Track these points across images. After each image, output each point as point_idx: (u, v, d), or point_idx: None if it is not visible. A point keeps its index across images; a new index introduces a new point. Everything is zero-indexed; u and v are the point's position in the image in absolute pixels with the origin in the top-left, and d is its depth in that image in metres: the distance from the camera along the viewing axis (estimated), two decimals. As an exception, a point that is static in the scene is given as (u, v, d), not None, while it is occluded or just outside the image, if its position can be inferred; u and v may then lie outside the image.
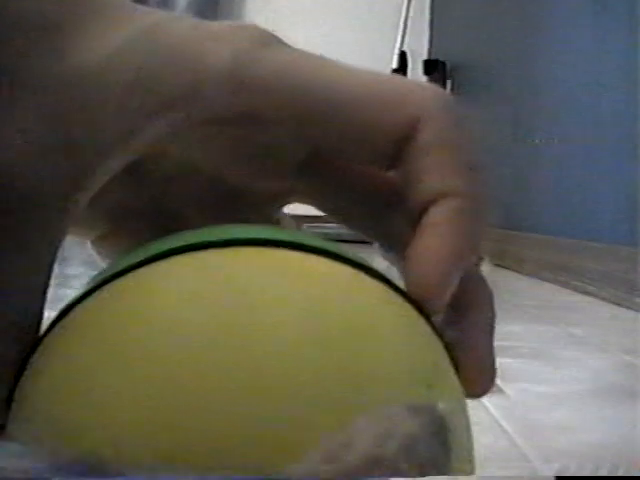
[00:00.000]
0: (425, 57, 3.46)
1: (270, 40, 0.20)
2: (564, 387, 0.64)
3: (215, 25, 0.20)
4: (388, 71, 3.17)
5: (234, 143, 0.21)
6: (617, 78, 1.40)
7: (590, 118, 1.52)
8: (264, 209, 0.24)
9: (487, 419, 0.53)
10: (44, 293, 0.19)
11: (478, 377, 0.21)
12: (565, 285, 1.51)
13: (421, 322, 0.19)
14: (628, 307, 1.21)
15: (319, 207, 0.25)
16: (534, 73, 1.93)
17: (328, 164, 0.23)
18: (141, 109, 0.19)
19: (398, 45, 3.19)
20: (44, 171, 0.18)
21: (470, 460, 0.19)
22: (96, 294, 0.17)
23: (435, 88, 0.21)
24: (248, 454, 0.14)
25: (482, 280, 0.22)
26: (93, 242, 0.25)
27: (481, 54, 2.66)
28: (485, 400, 0.58)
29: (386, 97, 0.20)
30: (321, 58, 0.21)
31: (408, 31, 3.22)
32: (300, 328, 0.16)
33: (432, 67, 3.25)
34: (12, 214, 0.17)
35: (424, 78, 3.34)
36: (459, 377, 0.20)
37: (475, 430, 0.51)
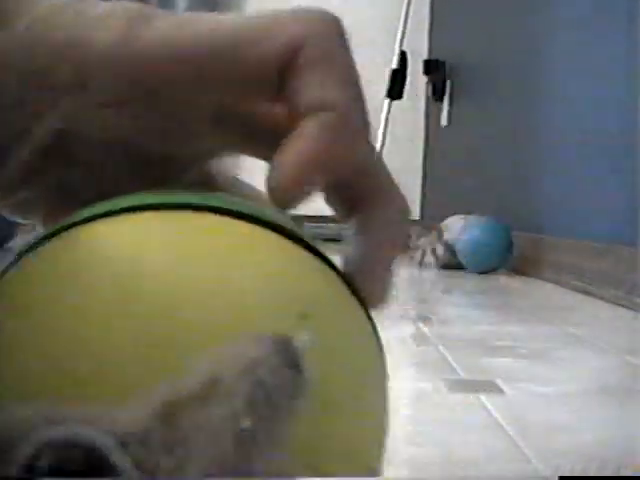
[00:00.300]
0: (425, 57, 3.46)
1: (146, 13, 0.21)
2: (564, 387, 0.64)
3: (94, 8, 0.22)
4: (388, 71, 3.17)
5: (138, 114, 0.22)
6: (617, 78, 1.40)
7: (590, 118, 1.52)
8: (194, 167, 0.25)
9: (487, 419, 0.53)
10: None
11: (372, 291, 0.22)
12: (565, 285, 1.51)
13: (307, 258, 0.21)
14: (628, 307, 1.21)
15: (244, 153, 0.25)
16: (534, 73, 1.93)
17: (235, 112, 0.24)
18: (36, 103, 0.21)
19: (398, 45, 3.19)
20: None
21: (356, 397, 0.20)
22: (14, 268, 0.20)
23: (320, 11, 0.22)
24: (113, 379, 0.16)
25: (393, 200, 0.23)
26: (43, 224, 0.26)
27: (481, 54, 2.66)
28: (485, 400, 0.58)
29: (264, 28, 0.21)
30: (199, 15, 0.22)
31: (408, 31, 3.21)
32: (170, 274, 0.18)
33: (432, 67, 3.25)
34: None
35: (424, 78, 3.34)
36: (358, 294, 0.22)
37: (475, 430, 0.51)
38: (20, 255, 0.20)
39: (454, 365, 0.70)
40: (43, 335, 0.17)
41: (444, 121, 3.12)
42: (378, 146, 3.17)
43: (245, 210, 0.21)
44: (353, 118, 0.21)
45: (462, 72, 2.96)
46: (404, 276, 1.79)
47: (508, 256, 1.74)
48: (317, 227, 2.93)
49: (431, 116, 3.51)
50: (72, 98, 0.21)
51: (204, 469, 0.15)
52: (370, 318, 0.22)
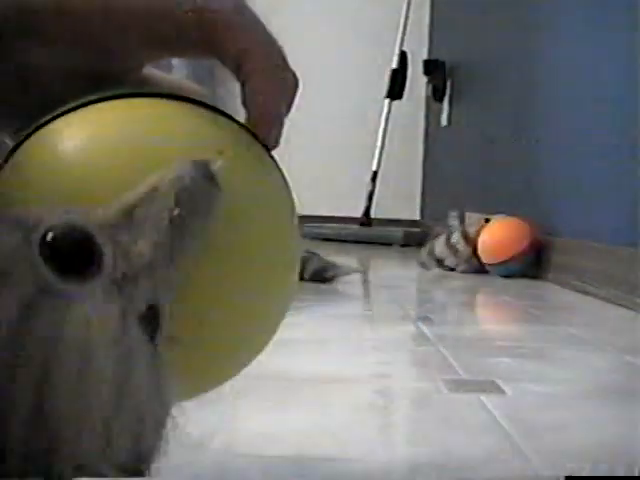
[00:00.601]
0: (425, 57, 3.46)
1: None
2: (564, 387, 0.64)
3: None
4: (388, 71, 3.18)
5: (83, 48, 0.31)
6: (617, 78, 1.40)
7: (590, 118, 1.52)
8: (131, 75, 0.33)
9: (487, 419, 0.53)
10: None
11: (266, 137, 0.31)
12: (565, 285, 1.51)
13: (220, 118, 0.30)
14: (628, 307, 1.21)
15: (170, 57, 0.33)
16: (534, 73, 1.93)
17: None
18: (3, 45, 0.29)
19: (398, 45, 3.19)
20: None
21: (267, 209, 0.30)
22: (36, 134, 0.29)
23: None
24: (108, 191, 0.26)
25: (278, 69, 0.32)
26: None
27: (481, 54, 2.66)
28: (485, 400, 0.58)
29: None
30: None
31: (408, 31, 3.22)
32: (126, 134, 0.28)
33: (432, 67, 3.24)
34: None
35: (424, 78, 3.34)
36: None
37: (475, 430, 0.51)
38: (36, 127, 0.29)
39: (454, 365, 0.71)
40: (52, 177, 0.27)
41: (444, 121, 3.13)
42: (378, 146, 3.18)
43: (175, 93, 0.30)
44: (279, 60, 0.31)
45: (462, 72, 2.96)
46: (403, 276, 1.79)
47: (534, 260, 1.67)
48: (317, 227, 2.93)
49: (431, 116, 3.51)
50: (29, 41, 0.29)
51: (151, 243, 0.24)
52: (272, 157, 0.32)
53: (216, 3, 0.30)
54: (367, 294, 1.46)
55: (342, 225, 3.05)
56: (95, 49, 0.30)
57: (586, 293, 1.39)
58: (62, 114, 0.29)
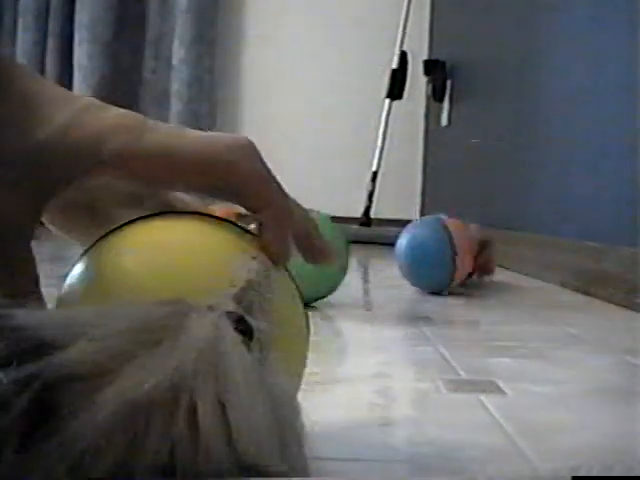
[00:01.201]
0: (425, 57, 3.46)
1: (146, 124, 0.37)
2: (564, 387, 0.64)
3: (112, 114, 0.37)
4: (388, 71, 3.17)
5: (133, 181, 0.38)
6: (617, 78, 1.40)
7: (590, 118, 1.52)
8: (158, 196, 0.43)
9: (487, 419, 0.53)
10: (37, 275, 0.36)
11: (274, 256, 0.39)
12: (565, 285, 1.51)
13: (248, 235, 0.39)
14: (628, 307, 1.21)
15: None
16: (534, 73, 1.93)
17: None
18: (68, 170, 0.36)
19: (398, 45, 3.19)
20: (21, 206, 0.35)
21: (295, 303, 0.40)
22: (97, 244, 0.38)
23: (244, 139, 0.38)
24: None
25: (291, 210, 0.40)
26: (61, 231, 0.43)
27: (481, 54, 2.66)
28: (485, 400, 0.58)
29: (213, 149, 0.38)
30: (181, 130, 0.38)
31: (408, 31, 3.21)
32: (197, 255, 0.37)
33: (432, 67, 3.24)
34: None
35: (424, 78, 3.34)
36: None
37: (475, 430, 0.51)
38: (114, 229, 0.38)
39: (454, 365, 0.71)
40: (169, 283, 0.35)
41: (444, 121, 3.12)
42: (378, 146, 3.18)
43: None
44: (287, 209, 0.39)
45: (462, 72, 2.96)
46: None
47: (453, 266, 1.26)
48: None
49: (431, 116, 3.51)
50: (97, 175, 0.37)
51: (268, 322, 0.33)
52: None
53: (247, 163, 0.38)
54: (367, 294, 1.46)
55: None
56: (150, 183, 0.39)
57: (586, 293, 1.39)
58: (127, 223, 0.38)
